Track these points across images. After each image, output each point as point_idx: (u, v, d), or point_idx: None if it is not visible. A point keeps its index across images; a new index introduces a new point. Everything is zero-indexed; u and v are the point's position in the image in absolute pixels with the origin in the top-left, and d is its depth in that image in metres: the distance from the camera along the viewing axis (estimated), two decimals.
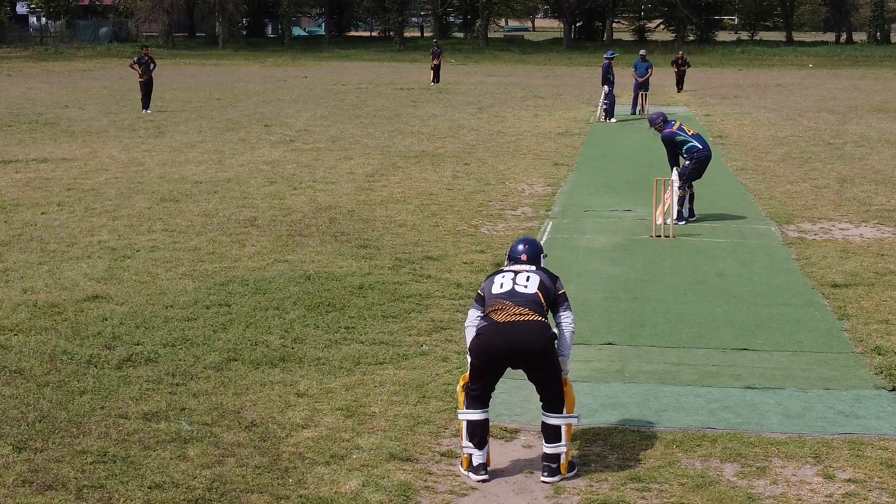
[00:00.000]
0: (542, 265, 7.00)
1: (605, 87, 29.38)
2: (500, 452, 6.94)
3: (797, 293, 11.11)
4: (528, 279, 6.75)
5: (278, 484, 6.35)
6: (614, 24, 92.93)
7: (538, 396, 6.71)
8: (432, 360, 8.71)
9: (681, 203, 14.62)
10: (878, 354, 8.98)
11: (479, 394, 6.61)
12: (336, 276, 11.40)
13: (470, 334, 6.73)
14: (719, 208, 15.91)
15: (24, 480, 6.29)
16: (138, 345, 8.94)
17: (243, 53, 71.50)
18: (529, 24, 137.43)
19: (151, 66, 29.28)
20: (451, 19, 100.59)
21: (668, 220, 14.08)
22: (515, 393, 8.05)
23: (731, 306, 10.63)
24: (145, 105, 29.17)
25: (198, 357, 8.62)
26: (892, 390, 8.15)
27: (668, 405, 7.82)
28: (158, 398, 7.70)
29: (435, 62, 43.82)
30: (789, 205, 16.28)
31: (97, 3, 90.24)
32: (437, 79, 43.43)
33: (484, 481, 6.50)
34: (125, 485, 6.27)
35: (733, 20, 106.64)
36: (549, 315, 6.73)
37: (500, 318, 6.55)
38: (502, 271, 6.91)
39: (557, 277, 6.89)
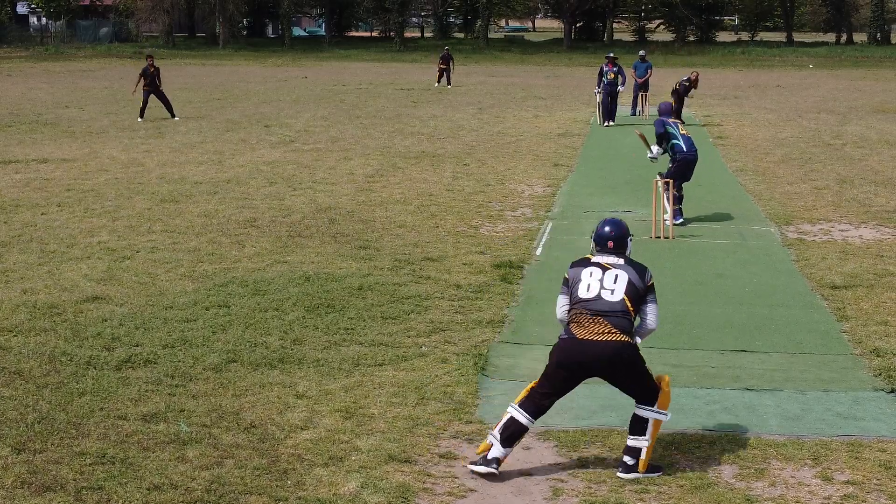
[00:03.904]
0: (629, 250, 6.80)
1: (597, 89, 29.32)
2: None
3: (796, 294, 11.11)
4: (615, 280, 6.56)
5: (277, 485, 6.35)
6: (614, 25, 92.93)
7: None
8: (431, 362, 8.71)
9: (678, 202, 14.58)
10: (877, 356, 8.98)
11: (540, 397, 6.58)
12: (335, 277, 11.40)
13: (559, 311, 6.73)
14: (719, 209, 15.91)
15: (22, 482, 6.29)
16: (137, 346, 8.95)
17: (243, 53, 71.51)
18: (530, 24, 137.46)
19: (157, 80, 28.44)
20: (452, 20, 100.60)
21: (668, 221, 14.08)
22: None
23: (730, 307, 10.63)
24: (170, 111, 28.61)
25: (197, 358, 8.62)
26: (891, 392, 8.16)
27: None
28: (157, 399, 7.70)
29: (442, 66, 43.86)
30: (789, 206, 16.28)
31: (98, 3, 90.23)
32: (448, 81, 43.47)
33: (490, 475, 6.48)
34: (124, 486, 6.27)
35: (733, 20, 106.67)
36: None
37: (581, 334, 6.45)
38: (590, 263, 6.70)
39: (647, 269, 6.72)
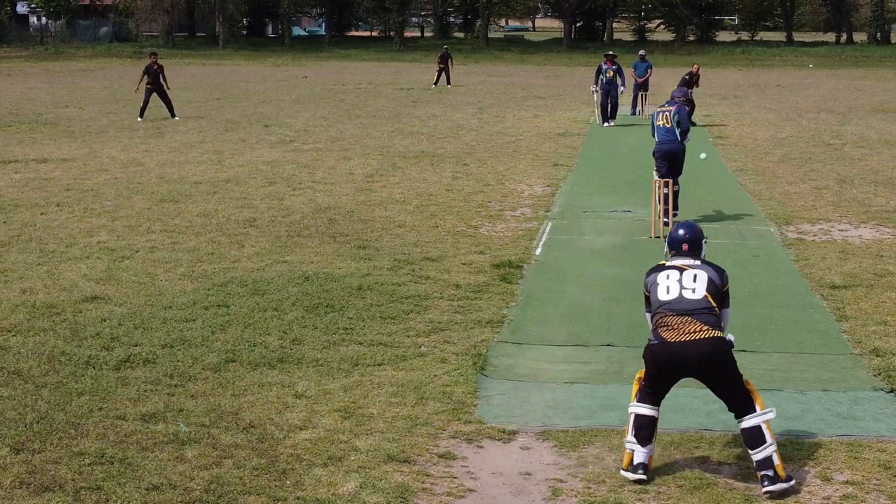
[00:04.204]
0: (703, 252, 6.74)
1: (593, 87, 29.16)
2: (498, 454, 6.94)
3: (796, 294, 11.10)
4: (695, 279, 6.48)
5: (276, 485, 6.35)
6: (614, 24, 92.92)
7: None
8: (431, 362, 8.71)
9: (674, 199, 14.47)
10: (877, 356, 8.98)
11: (652, 392, 6.56)
12: (335, 276, 11.40)
13: (650, 324, 6.68)
14: (719, 209, 15.90)
15: (21, 482, 6.29)
16: (136, 346, 8.94)
17: (243, 53, 71.49)
18: (530, 24, 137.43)
19: (162, 78, 28.18)
20: (452, 19, 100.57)
21: (669, 221, 14.08)
22: (514, 394, 8.06)
23: (730, 307, 10.60)
24: (170, 111, 28.47)
25: (196, 358, 8.62)
26: (891, 392, 8.15)
27: (666, 407, 7.76)
28: (156, 399, 7.70)
29: (441, 65, 43.66)
30: (789, 206, 16.28)
31: (97, 2, 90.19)
32: (448, 81, 43.29)
33: (640, 482, 6.40)
34: (123, 486, 6.27)
35: (733, 20, 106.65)
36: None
37: (670, 336, 6.38)
38: (665, 268, 6.63)
39: (724, 270, 6.65)
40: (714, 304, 6.45)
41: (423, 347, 9.09)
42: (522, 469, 6.73)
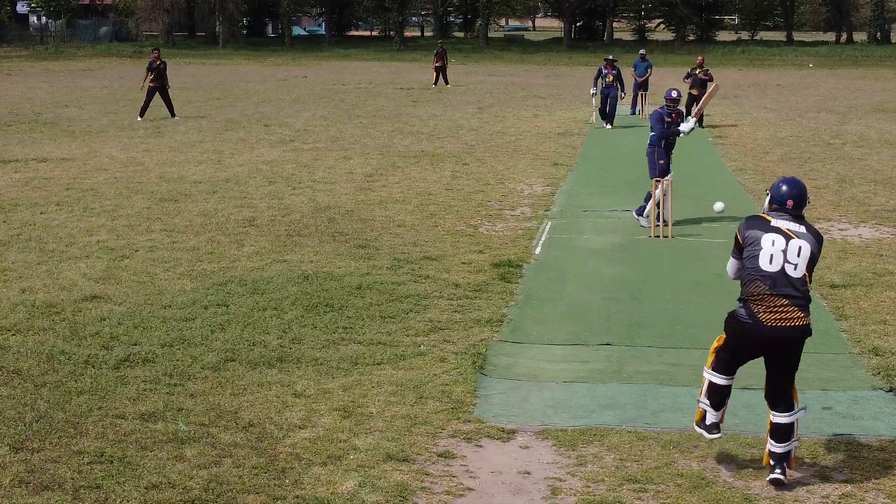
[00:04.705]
0: (804, 211, 6.51)
1: (592, 90, 29.03)
2: (497, 453, 6.95)
3: None
4: (799, 252, 6.28)
5: (275, 484, 6.35)
6: (614, 24, 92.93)
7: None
8: (430, 361, 8.71)
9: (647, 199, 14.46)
10: (876, 355, 8.98)
11: (730, 362, 6.58)
12: (334, 276, 11.40)
13: (732, 273, 6.64)
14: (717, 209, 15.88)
15: (20, 481, 6.29)
16: (136, 345, 8.95)
17: (243, 53, 71.50)
18: (530, 23, 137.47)
19: (164, 75, 27.94)
20: (452, 19, 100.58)
21: (668, 221, 14.08)
22: (513, 393, 8.06)
23: (729, 307, 10.56)
24: (170, 111, 28.41)
25: (195, 357, 8.62)
26: (890, 391, 8.16)
27: (666, 406, 7.82)
28: (156, 398, 7.70)
29: (437, 63, 43.48)
30: None
31: (97, 2, 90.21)
32: (445, 80, 43.15)
33: (715, 439, 6.66)
34: (122, 485, 6.27)
35: (733, 20, 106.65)
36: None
37: (764, 318, 6.29)
38: (770, 228, 6.36)
39: (822, 237, 6.46)
40: (809, 280, 6.35)
41: (422, 347, 9.09)
42: (521, 468, 6.73)
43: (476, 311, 10.20)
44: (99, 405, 7.54)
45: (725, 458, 6.87)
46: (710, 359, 6.69)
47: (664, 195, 14.16)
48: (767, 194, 6.60)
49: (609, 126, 27.75)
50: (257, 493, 6.24)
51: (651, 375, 8.49)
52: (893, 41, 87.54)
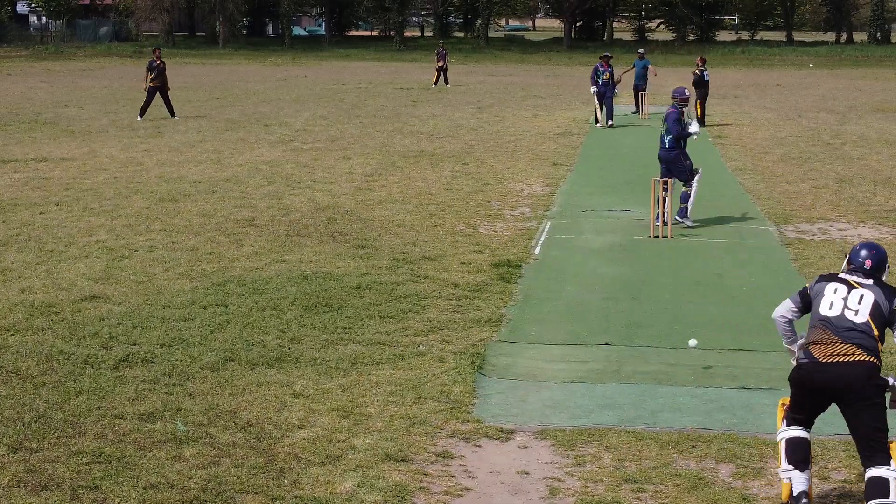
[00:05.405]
0: (884, 276, 6.30)
1: (593, 88, 28.92)
2: (496, 453, 6.95)
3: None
4: (860, 300, 6.10)
5: (273, 484, 6.35)
6: (614, 24, 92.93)
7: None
8: (429, 361, 8.71)
9: (662, 203, 14.38)
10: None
11: (799, 417, 6.26)
12: (334, 276, 11.40)
13: (780, 325, 6.49)
14: (717, 208, 15.89)
15: (19, 481, 6.29)
16: (135, 345, 8.95)
17: (243, 53, 71.49)
18: (530, 23, 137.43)
19: (164, 75, 27.84)
20: (452, 19, 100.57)
21: (668, 221, 14.08)
22: (512, 393, 8.06)
23: (729, 307, 10.63)
24: (170, 111, 28.33)
25: (194, 357, 8.62)
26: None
27: (664, 406, 7.82)
28: (154, 398, 7.70)
29: (440, 64, 43.52)
30: (788, 205, 16.28)
31: (98, 2, 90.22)
32: (446, 80, 43.16)
33: None
34: (120, 485, 6.27)
35: (734, 20, 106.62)
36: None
37: (821, 355, 6.04)
38: (837, 279, 6.30)
39: (894, 292, 6.17)
40: (876, 330, 6.07)
41: (421, 347, 9.09)
42: (520, 468, 6.73)
43: (475, 311, 10.20)
44: (98, 405, 7.54)
45: (724, 458, 6.87)
46: (780, 417, 6.42)
47: (666, 195, 14.16)
48: (846, 256, 6.51)
49: (611, 122, 27.72)
50: (256, 492, 6.24)
51: (650, 375, 8.49)
52: (893, 41, 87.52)
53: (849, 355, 5.99)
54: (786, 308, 6.47)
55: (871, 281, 6.22)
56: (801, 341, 6.42)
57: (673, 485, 6.48)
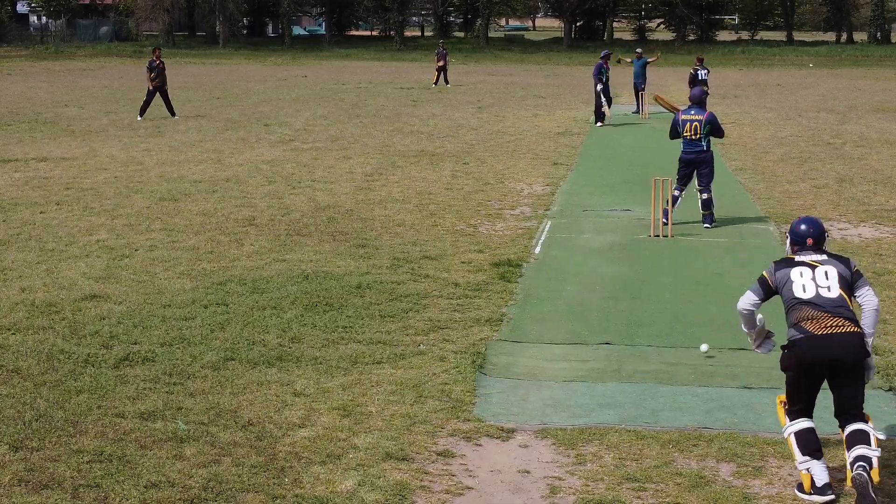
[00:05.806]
0: (826, 245, 6.66)
1: (599, 86, 28.90)
2: (497, 452, 6.95)
3: None
4: (826, 276, 6.43)
5: (274, 483, 6.35)
6: (615, 24, 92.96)
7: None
8: (429, 360, 8.71)
9: (673, 203, 14.38)
10: (875, 354, 8.95)
11: (800, 408, 6.43)
12: (334, 275, 11.40)
13: (744, 316, 6.75)
14: (718, 208, 15.87)
15: (20, 480, 6.29)
16: (136, 344, 8.95)
17: (244, 53, 71.51)
18: (530, 23, 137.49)
19: (164, 75, 27.72)
20: (452, 19, 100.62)
21: (668, 221, 14.08)
22: (513, 392, 8.06)
23: (729, 306, 10.57)
24: (170, 110, 28.27)
25: (195, 356, 8.62)
26: (889, 390, 8.16)
27: (665, 405, 7.82)
28: (155, 397, 7.70)
29: (440, 63, 43.55)
30: (788, 204, 16.28)
31: (98, 2, 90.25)
32: (446, 80, 43.18)
33: (831, 502, 6.18)
34: (121, 484, 6.27)
35: (734, 20, 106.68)
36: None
37: (815, 329, 6.30)
38: (795, 264, 6.54)
39: (849, 259, 6.59)
40: (849, 301, 6.39)
41: (421, 346, 9.09)
42: (521, 467, 6.73)
43: (475, 311, 10.20)
44: (98, 404, 7.54)
45: (725, 457, 6.87)
46: (781, 416, 6.54)
47: (679, 194, 14.19)
48: (787, 237, 6.78)
49: (608, 113, 27.96)
50: (256, 491, 6.24)
51: (650, 374, 8.49)
52: (893, 41, 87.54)
53: (840, 326, 6.30)
54: (749, 300, 6.75)
55: (824, 255, 6.57)
56: (760, 326, 6.82)
57: (674, 484, 6.48)
